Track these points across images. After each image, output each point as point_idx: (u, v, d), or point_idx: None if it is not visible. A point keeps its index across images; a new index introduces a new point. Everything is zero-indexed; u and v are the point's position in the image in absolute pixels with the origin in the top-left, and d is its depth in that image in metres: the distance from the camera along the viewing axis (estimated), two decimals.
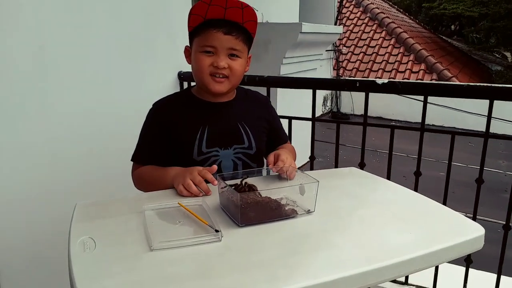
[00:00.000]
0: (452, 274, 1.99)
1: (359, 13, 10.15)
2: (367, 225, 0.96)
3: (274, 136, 1.39)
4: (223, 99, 1.28)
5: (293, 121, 2.02)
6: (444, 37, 14.09)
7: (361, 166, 1.87)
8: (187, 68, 1.28)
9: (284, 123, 1.83)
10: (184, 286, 0.71)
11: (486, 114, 1.66)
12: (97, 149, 1.90)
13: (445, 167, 1.81)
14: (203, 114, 1.26)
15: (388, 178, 1.84)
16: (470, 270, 1.86)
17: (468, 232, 0.93)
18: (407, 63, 8.53)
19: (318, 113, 8.22)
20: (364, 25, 9.77)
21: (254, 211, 0.93)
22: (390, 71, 8.43)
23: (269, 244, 0.86)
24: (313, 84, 1.95)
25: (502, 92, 1.59)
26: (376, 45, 9.16)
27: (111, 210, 1.02)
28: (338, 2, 8.15)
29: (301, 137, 2.19)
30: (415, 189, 1.79)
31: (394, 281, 2.02)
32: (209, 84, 1.21)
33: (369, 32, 9.53)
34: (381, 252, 0.83)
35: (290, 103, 3.74)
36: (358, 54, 9.13)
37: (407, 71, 8.29)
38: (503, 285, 1.80)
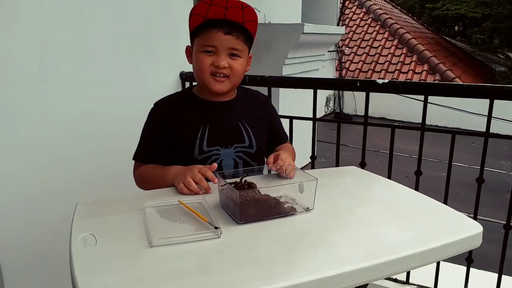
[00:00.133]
0: (453, 273, 1.99)
1: (362, 14, 10.15)
2: (366, 222, 0.97)
3: (274, 135, 1.40)
4: (224, 99, 1.29)
5: (295, 121, 2.03)
6: (447, 38, 14.06)
7: (362, 165, 1.87)
8: (189, 68, 1.29)
9: (285, 123, 1.84)
10: (183, 282, 0.72)
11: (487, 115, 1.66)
12: (98, 149, 1.91)
13: (447, 167, 1.81)
14: (204, 113, 1.27)
15: (389, 177, 1.85)
16: (471, 269, 1.86)
17: (466, 229, 0.94)
18: (410, 63, 8.52)
19: (321, 113, 8.22)
20: (367, 26, 9.76)
21: (253, 209, 0.94)
22: (393, 72, 8.43)
23: (268, 241, 0.87)
24: (314, 84, 1.96)
25: (502, 92, 1.60)
26: (379, 46, 9.15)
27: (112, 207, 1.03)
28: (340, 3, 8.15)
29: (303, 137, 2.20)
30: (416, 188, 1.79)
31: (395, 280, 2.02)
32: (210, 84, 1.22)
33: (372, 33, 9.53)
34: (379, 249, 0.84)
35: (292, 104, 3.75)
36: (361, 55, 9.13)
37: (410, 72, 8.28)
38: (504, 285, 1.80)
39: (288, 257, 0.80)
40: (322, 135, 5.45)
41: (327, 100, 8.53)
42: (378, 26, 9.63)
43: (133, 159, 1.29)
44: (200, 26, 1.20)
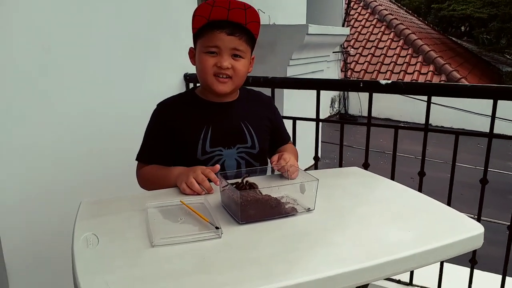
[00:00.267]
0: (456, 275, 1.98)
1: (367, 14, 10.13)
2: (367, 223, 0.97)
3: (276, 136, 1.41)
4: (227, 99, 1.30)
5: (299, 122, 2.04)
6: (453, 38, 13.99)
7: (365, 166, 1.87)
8: (193, 69, 1.30)
9: (289, 123, 1.84)
10: (184, 281, 0.73)
11: (496, 116, 1.66)
12: (100, 150, 1.92)
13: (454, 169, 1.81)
14: (206, 114, 1.28)
15: (392, 178, 1.85)
16: (475, 271, 1.86)
17: (468, 230, 0.94)
18: (415, 64, 8.49)
19: (326, 114, 8.21)
20: (372, 26, 9.74)
21: (254, 209, 0.94)
22: (399, 73, 8.40)
23: (269, 241, 0.87)
24: (317, 84, 1.97)
25: (506, 92, 1.59)
26: (384, 46, 9.13)
27: (115, 207, 1.04)
28: (345, 4, 8.14)
29: (307, 138, 2.20)
30: (419, 189, 1.79)
31: (399, 282, 2.02)
32: (213, 85, 1.22)
33: (377, 33, 9.51)
34: (379, 249, 0.84)
35: (296, 105, 3.75)
36: (366, 56, 9.11)
37: (416, 73, 8.25)
38: (508, 286, 1.79)
39: (289, 257, 0.81)
40: (326, 136, 5.44)
41: (332, 101, 8.51)
42: (383, 27, 9.61)
43: (136, 159, 1.30)
44: (203, 27, 1.21)
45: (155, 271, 0.75)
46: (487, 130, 1.68)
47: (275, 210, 0.97)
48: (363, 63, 8.97)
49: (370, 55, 9.07)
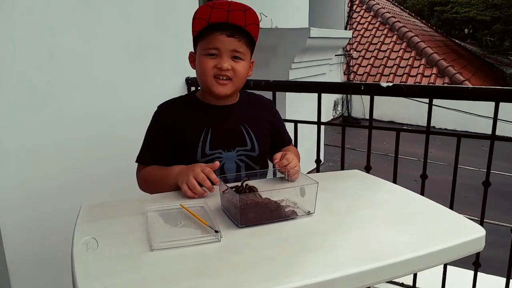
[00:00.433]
0: (460, 278, 1.97)
1: (370, 17, 10.13)
2: (367, 226, 0.97)
3: (278, 138, 1.41)
4: (227, 102, 1.31)
5: (302, 125, 2.04)
6: (457, 41, 13.97)
7: (367, 169, 1.87)
8: (195, 73, 1.31)
9: (291, 126, 1.84)
10: (182, 285, 0.73)
11: (500, 118, 1.65)
12: (104, 153, 1.93)
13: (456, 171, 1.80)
14: (207, 116, 1.28)
15: (394, 180, 1.84)
16: (479, 274, 1.84)
17: (469, 233, 0.93)
18: (418, 67, 8.48)
19: (329, 117, 8.21)
20: (375, 29, 9.74)
21: (253, 212, 0.94)
22: (402, 76, 8.39)
23: (268, 245, 0.87)
24: (318, 87, 1.96)
25: (507, 94, 1.58)
26: (387, 49, 9.13)
27: (115, 211, 1.04)
28: (348, 7, 8.15)
29: (309, 141, 2.21)
30: (421, 192, 1.79)
31: (402, 285, 2.01)
32: (213, 86, 1.23)
33: (380, 36, 9.51)
34: (379, 252, 0.84)
35: (299, 108, 3.75)
36: (369, 59, 9.11)
37: (419, 75, 8.24)
38: None
39: (289, 261, 0.80)
40: (330, 139, 5.44)
41: (335, 104, 8.51)
42: (386, 30, 9.60)
43: (136, 161, 1.31)
44: (203, 30, 1.21)
45: (154, 275, 0.75)
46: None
47: (274, 213, 0.97)
48: (366, 66, 8.97)
49: (373, 58, 9.06)
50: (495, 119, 1.64)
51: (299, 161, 1.35)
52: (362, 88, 1.84)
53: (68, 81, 1.77)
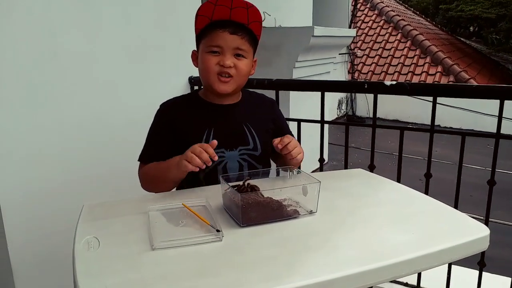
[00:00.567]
0: (465, 277, 1.96)
1: (374, 16, 10.10)
2: (370, 225, 0.96)
3: (281, 136, 1.39)
4: (229, 101, 1.30)
5: (306, 125, 2.03)
6: (462, 39, 13.89)
7: (371, 168, 1.86)
8: (198, 73, 1.30)
9: (294, 126, 1.84)
10: (183, 285, 0.72)
11: (507, 117, 1.63)
12: (106, 153, 1.94)
13: (462, 170, 1.79)
14: (209, 115, 1.28)
15: (398, 179, 1.83)
16: (484, 273, 1.83)
17: (473, 232, 0.92)
18: (423, 65, 8.43)
19: (333, 116, 8.19)
20: (379, 28, 9.70)
21: (255, 212, 0.94)
22: (406, 74, 8.35)
23: (270, 244, 0.87)
24: (322, 86, 1.96)
25: None
26: (392, 47, 9.09)
27: (117, 210, 1.04)
28: (352, 5, 8.13)
29: (313, 141, 2.19)
30: (426, 191, 1.77)
31: (406, 285, 2.00)
32: (215, 84, 1.23)
33: (384, 35, 9.47)
34: (382, 252, 0.83)
35: (303, 108, 3.75)
36: (374, 57, 9.07)
37: (424, 74, 8.19)
38: None
39: (290, 260, 0.80)
40: (334, 138, 5.42)
41: (340, 103, 8.49)
42: (390, 28, 9.56)
43: (138, 160, 1.30)
44: (206, 27, 1.21)
45: (155, 274, 0.75)
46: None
47: (276, 212, 0.96)
48: (370, 65, 8.93)
49: (377, 57, 9.03)
50: (500, 117, 1.62)
51: (302, 155, 1.34)
52: (366, 87, 1.83)
53: (69, 81, 1.77)
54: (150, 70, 2.18)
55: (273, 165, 1.39)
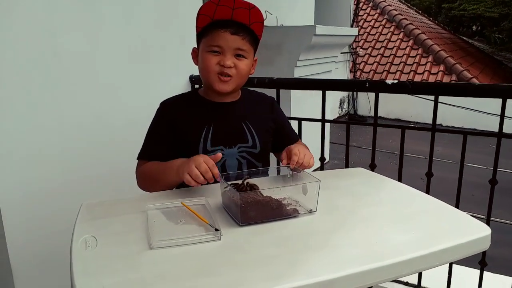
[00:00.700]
0: (466, 277, 1.95)
1: (377, 15, 10.08)
2: (370, 224, 0.95)
3: (283, 135, 1.39)
4: (228, 99, 1.30)
5: (307, 124, 2.02)
6: (464, 38, 13.85)
7: (372, 167, 1.85)
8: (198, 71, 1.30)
9: (295, 124, 1.83)
10: (182, 284, 0.72)
11: (510, 116, 1.62)
12: (107, 153, 1.93)
13: (464, 169, 1.78)
14: (208, 113, 1.28)
15: (399, 178, 1.82)
16: (485, 273, 1.82)
17: (474, 232, 0.91)
18: (425, 64, 8.42)
19: (335, 115, 8.17)
20: (381, 27, 9.69)
21: (254, 211, 0.93)
22: (408, 73, 8.34)
23: (269, 243, 0.86)
24: (323, 85, 1.95)
25: None
26: (394, 46, 9.07)
27: (115, 209, 1.04)
28: (354, 4, 8.11)
29: (315, 140, 2.18)
30: (427, 190, 1.77)
31: (407, 284, 1.99)
32: (215, 83, 1.22)
33: (386, 34, 9.45)
34: (382, 251, 0.83)
35: (304, 107, 3.74)
36: (376, 56, 9.06)
37: (426, 73, 8.18)
38: None
39: (290, 259, 0.79)
40: (335, 137, 5.41)
41: (341, 102, 8.48)
42: (393, 27, 9.55)
43: (137, 158, 1.30)
44: (207, 26, 1.21)
45: (153, 274, 0.75)
46: (504, 131, 1.65)
47: (276, 211, 0.95)
48: (372, 64, 8.93)
49: (379, 56, 9.02)
50: (502, 116, 1.61)
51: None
52: (367, 85, 1.81)
53: (70, 82, 1.76)
54: (151, 70, 2.17)
55: (273, 163, 1.38)
